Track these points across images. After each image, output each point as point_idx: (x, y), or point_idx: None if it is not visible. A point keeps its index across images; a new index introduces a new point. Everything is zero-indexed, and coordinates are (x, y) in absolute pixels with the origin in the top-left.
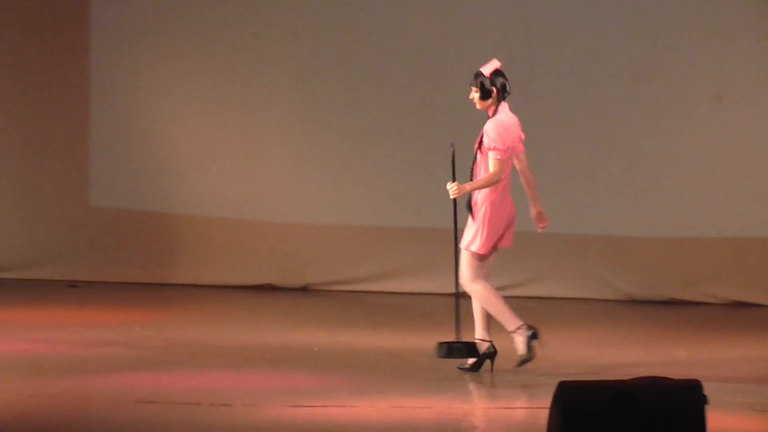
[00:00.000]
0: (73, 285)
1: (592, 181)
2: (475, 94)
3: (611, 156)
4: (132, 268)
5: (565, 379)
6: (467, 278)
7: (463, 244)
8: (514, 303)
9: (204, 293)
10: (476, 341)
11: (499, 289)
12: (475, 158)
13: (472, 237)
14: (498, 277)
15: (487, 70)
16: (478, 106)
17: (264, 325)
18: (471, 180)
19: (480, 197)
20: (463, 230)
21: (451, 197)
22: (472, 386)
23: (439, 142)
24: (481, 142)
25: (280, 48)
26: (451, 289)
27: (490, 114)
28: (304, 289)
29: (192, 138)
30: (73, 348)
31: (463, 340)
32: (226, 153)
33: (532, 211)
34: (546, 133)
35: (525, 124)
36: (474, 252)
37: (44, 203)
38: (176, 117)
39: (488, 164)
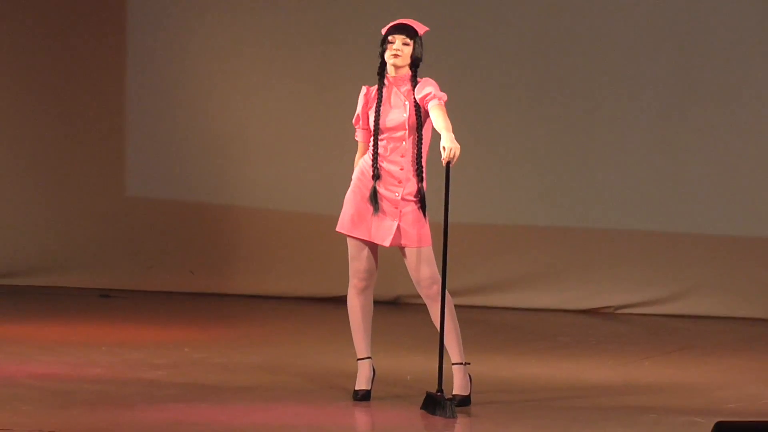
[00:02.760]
0: (105, 295)
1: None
2: (405, 47)
3: None
4: (178, 275)
5: (722, 418)
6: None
7: (425, 241)
8: (657, 322)
9: (268, 306)
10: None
11: (636, 305)
12: (399, 133)
13: (426, 227)
14: (637, 289)
15: (420, 28)
16: (400, 62)
17: (344, 347)
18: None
19: (419, 181)
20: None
21: (455, 157)
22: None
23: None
24: (417, 112)
25: (355, 8)
26: (571, 304)
27: (399, 78)
28: (395, 303)
29: (254, 117)
30: (106, 372)
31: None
32: (296, 135)
33: None
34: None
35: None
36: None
37: (71, 194)
38: (230, 88)
39: (428, 128)
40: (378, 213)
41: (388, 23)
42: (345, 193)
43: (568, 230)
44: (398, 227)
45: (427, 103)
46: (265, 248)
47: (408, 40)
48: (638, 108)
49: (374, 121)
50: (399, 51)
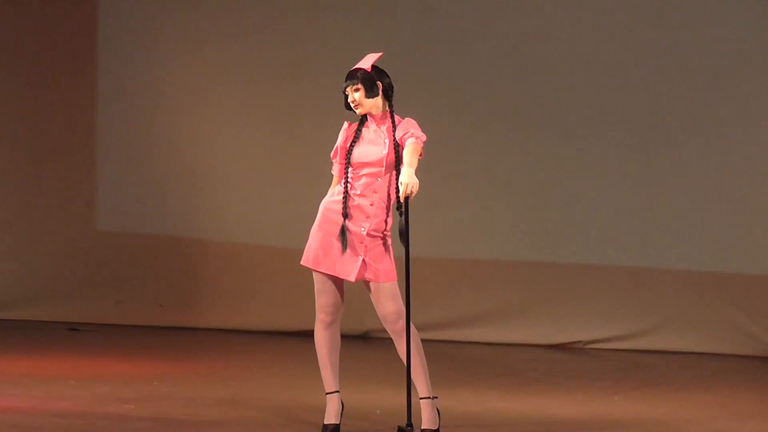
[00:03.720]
0: (75, 328)
1: (735, 210)
2: (355, 94)
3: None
4: (148, 308)
5: None
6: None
7: (390, 276)
8: (626, 357)
9: (238, 340)
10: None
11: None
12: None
13: (390, 262)
14: (606, 324)
15: (365, 63)
16: (362, 110)
17: (313, 381)
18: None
19: (387, 216)
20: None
21: (412, 193)
22: None
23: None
24: (396, 150)
25: (327, 44)
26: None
27: (379, 117)
28: (364, 337)
29: (225, 150)
30: (74, 406)
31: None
32: (267, 169)
33: None
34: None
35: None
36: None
37: (41, 226)
38: (203, 120)
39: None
40: (344, 249)
41: (360, 59)
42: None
43: (537, 264)
44: (363, 261)
45: (405, 140)
46: (235, 282)
47: (357, 85)
48: (607, 144)
49: (347, 156)
50: (354, 101)
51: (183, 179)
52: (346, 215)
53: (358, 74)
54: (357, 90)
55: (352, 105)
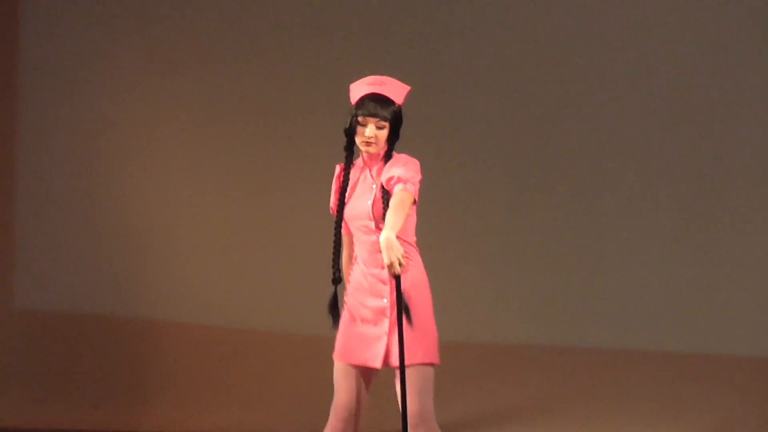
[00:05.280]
0: None
1: None
2: (379, 131)
3: None
4: (78, 409)
5: None
6: (431, 412)
7: (414, 357)
8: None
9: None
10: None
11: None
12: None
13: (423, 338)
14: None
15: (398, 95)
16: (373, 150)
17: None
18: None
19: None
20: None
21: (393, 266)
22: None
23: None
24: (384, 198)
25: (306, 76)
26: None
27: (374, 161)
28: None
29: (176, 205)
30: None
31: None
32: (229, 230)
33: None
34: None
35: None
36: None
37: None
38: (149, 171)
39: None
40: (335, 327)
41: (345, 96)
42: (283, 306)
43: (568, 350)
44: (389, 341)
45: (392, 187)
46: (188, 373)
47: (383, 122)
48: (651, 207)
49: (337, 210)
50: (371, 139)
51: (120, 247)
52: (338, 280)
53: (393, 109)
54: (383, 127)
55: (363, 142)
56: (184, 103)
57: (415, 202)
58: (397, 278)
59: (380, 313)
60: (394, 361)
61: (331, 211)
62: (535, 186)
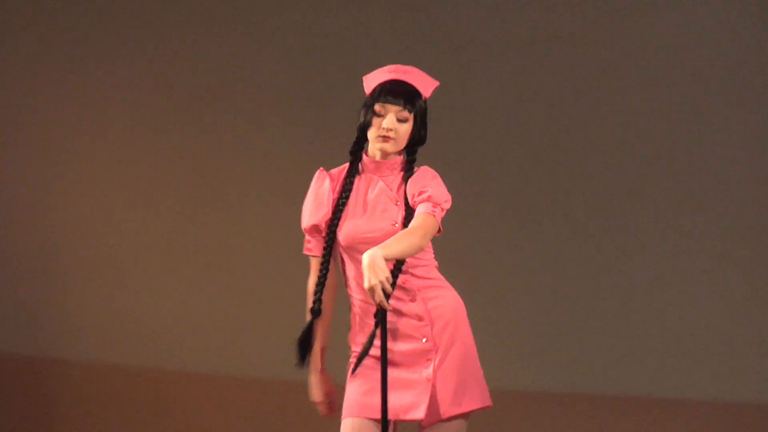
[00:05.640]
0: None
1: None
2: (400, 124)
3: None
4: None
5: None
6: None
7: (464, 405)
8: None
9: None
10: None
11: None
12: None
13: (477, 382)
14: None
15: (426, 87)
16: (390, 147)
17: None
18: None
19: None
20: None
21: (377, 296)
22: None
23: None
24: (409, 216)
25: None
26: None
27: (388, 164)
28: None
29: (111, 225)
30: None
31: None
32: (176, 253)
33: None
34: None
35: None
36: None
37: None
38: (79, 184)
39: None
40: (301, 365)
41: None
42: (251, 347)
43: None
44: (435, 390)
45: (418, 204)
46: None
47: (407, 114)
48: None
49: (328, 228)
50: (391, 132)
51: (45, 269)
52: (317, 312)
53: (418, 102)
54: (405, 120)
55: (379, 136)
56: (121, 96)
57: (439, 231)
58: (383, 312)
59: (418, 356)
60: (445, 411)
61: (304, 228)
62: (540, 227)
